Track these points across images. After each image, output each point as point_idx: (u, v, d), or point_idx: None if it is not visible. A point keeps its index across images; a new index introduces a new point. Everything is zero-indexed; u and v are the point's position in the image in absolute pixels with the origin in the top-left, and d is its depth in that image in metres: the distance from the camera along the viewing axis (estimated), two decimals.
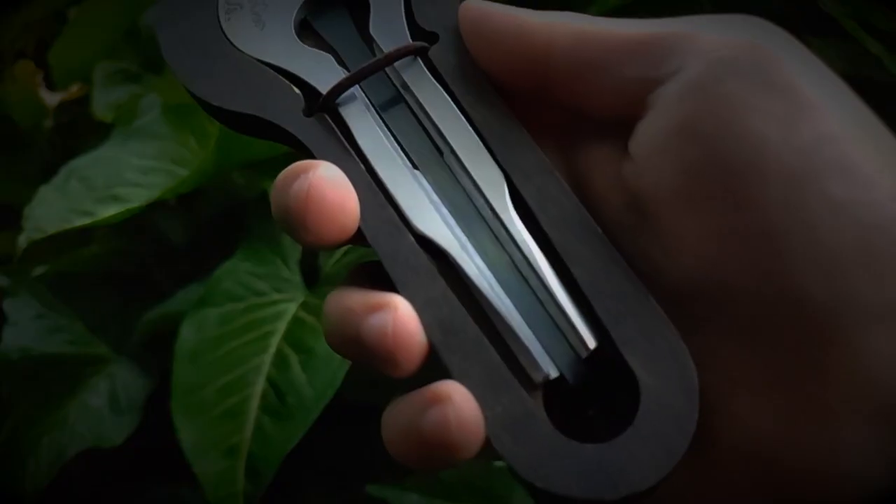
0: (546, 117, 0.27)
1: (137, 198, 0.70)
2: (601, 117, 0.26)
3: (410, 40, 0.28)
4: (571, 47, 0.26)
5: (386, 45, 0.28)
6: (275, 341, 0.65)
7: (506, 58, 0.26)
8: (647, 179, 0.24)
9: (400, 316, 0.24)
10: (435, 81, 0.27)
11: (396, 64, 0.27)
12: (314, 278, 0.70)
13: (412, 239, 0.26)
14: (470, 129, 0.27)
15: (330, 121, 0.27)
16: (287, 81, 0.28)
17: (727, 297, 0.24)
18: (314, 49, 0.28)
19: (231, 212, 0.77)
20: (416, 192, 0.26)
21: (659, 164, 0.24)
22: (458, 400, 0.23)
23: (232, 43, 0.28)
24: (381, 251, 0.25)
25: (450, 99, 0.27)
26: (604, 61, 0.25)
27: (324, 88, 0.27)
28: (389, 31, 0.28)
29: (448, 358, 0.24)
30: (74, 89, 0.95)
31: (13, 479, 0.70)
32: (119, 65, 0.88)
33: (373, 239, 0.26)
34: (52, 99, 0.97)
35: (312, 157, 0.27)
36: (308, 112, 0.27)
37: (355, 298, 0.25)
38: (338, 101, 0.27)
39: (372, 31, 0.28)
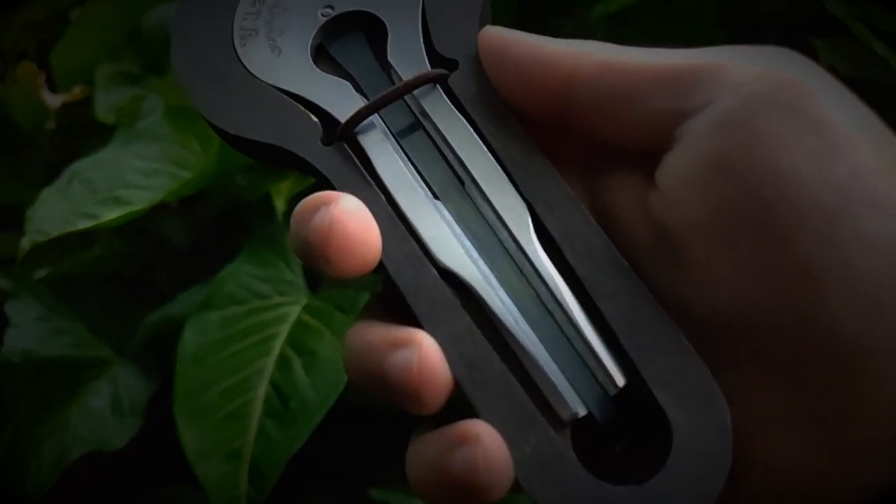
0: (567, 146, 0.27)
1: (140, 200, 0.69)
2: (625, 147, 0.26)
3: (429, 67, 0.27)
4: (595, 77, 0.25)
5: (404, 72, 0.27)
6: (278, 344, 0.65)
7: (528, 87, 0.26)
8: (677, 213, 0.24)
9: (424, 352, 0.23)
10: (455, 109, 0.27)
11: (415, 91, 0.27)
12: (317, 281, 0.70)
13: (435, 272, 0.25)
14: (491, 158, 0.26)
15: (349, 150, 0.27)
16: (304, 109, 0.27)
17: (759, 334, 0.23)
18: (331, 76, 0.28)
19: (233, 214, 0.77)
20: (438, 224, 0.26)
21: (689, 198, 0.24)
22: (487, 441, 0.23)
23: (248, 69, 0.28)
24: (403, 285, 0.25)
25: (470, 127, 0.27)
26: (629, 92, 0.25)
27: (342, 117, 0.27)
28: (408, 58, 0.28)
29: (474, 395, 0.24)
30: (76, 91, 0.95)
31: (15, 482, 0.70)
32: (121, 66, 0.88)
33: (394, 272, 0.25)
34: (53, 100, 0.97)
35: (331, 186, 0.26)
36: (326, 141, 0.27)
37: (377, 333, 0.24)
38: (356, 129, 0.27)
39: (390, 57, 0.28)
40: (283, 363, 0.64)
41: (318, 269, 0.25)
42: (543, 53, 0.26)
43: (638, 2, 0.69)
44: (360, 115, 0.27)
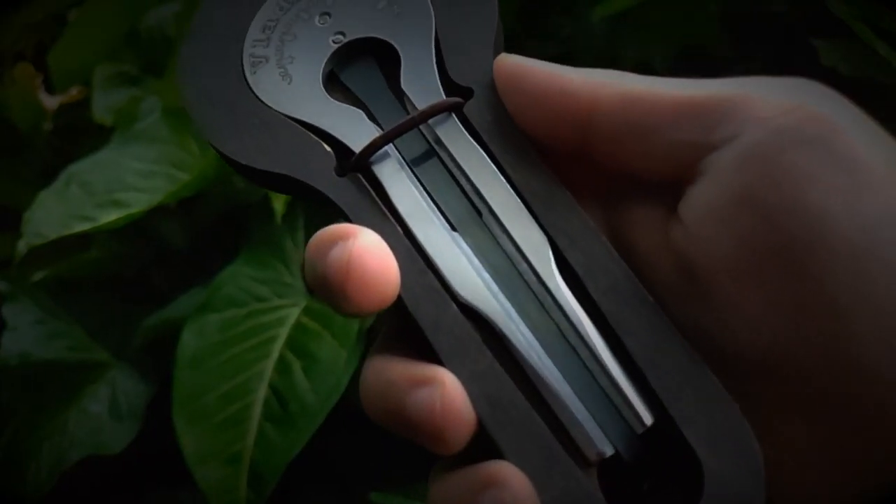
0: (585, 176, 0.27)
1: (138, 203, 0.69)
2: (646, 179, 0.25)
3: (444, 95, 0.27)
4: (617, 108, 0.25)
5: (419, 101, 0.27)
6: (277, 347, 0.64)
7: (546, 117, 0.26)
8: (702, 247, 0.24)
9: (448, 392, 0.23)
10: (471, 139, 0.26)
11: (430, 119, 0.27)
12: None
13: (455, 308, 0.25)
14: (510, 189, 0.26)
15: (363, 180, 0.26)
16: (317, 139, 0.27)
17: (787, 371, 0.23)
18: (344, 104, 0.27)
19: (232, 216, 0.77)
20: (456, 257, 0.25)
21: (715, 233, 0.23)
22: (514, 484, 0.22)
23: (258, 98, 0.27)
24: (422, 320, 0.24)
25: (487, 157, 0.26)
26: (652, 124, 0.24)
27: (356, 146, 0.26)
28: (422, 86, 0.27)
29: (498, 435, 0.23)
30: (74, 92, 0.95)
31: (13, 485, 0.69)
32: (119, 67, 0.87)
33: (413, 307, 0.24)
34: (51, 102, 0.96)
35: (346, 217, 0.26)
36: (341, 171, 0.26)
37: (397, 370, 0.24)
38: (371, 159, 0.26)
39: (404, 85, 0.27)
40: (282, 366, 0.63)
41: (334, 305, 0.24)
42: (563, 83, 0.25)
43: (638, 2, 0.69)
44: (374, 146, 0.26)
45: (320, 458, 0.63)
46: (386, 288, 0.24)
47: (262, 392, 0.62)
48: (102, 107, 0.83)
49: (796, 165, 0.23)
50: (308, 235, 0.70)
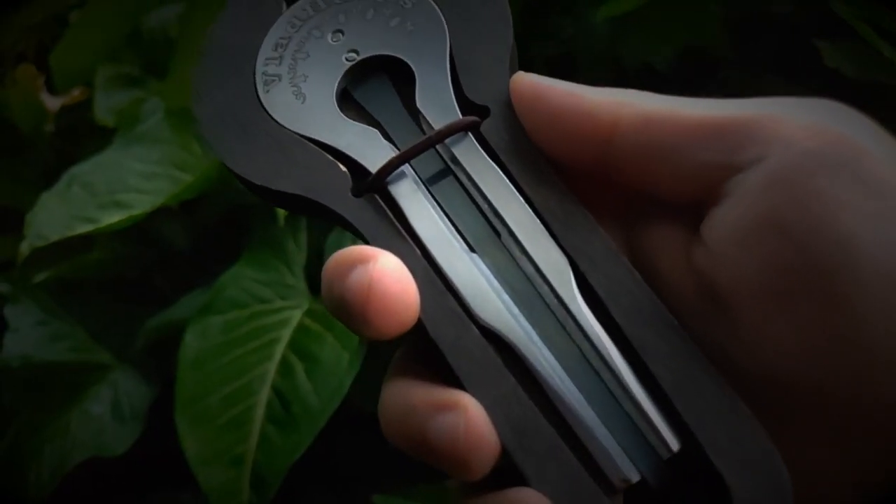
0: (605, 196, 0.26)
1: (141, 204, 0.69)
2: (668, 199, 0.25)
3: (460, 114, 0.26)
4: (638, 128, 0.24)
5: (434, 120, 0.26)
6: (280, 349, 0.64)
7: (565, 136, 0.25)
8: (727, 270, 0.23)
9: (471, 418, 0.23)
10: (488, 158, 0.26)
11: (446, 138, 0.26)
12: (319, 285, 0.69)
13: (476, 331, 0.24)
14: (528, 209, 0.25)
15: (380, 201, 0.26)
16: (332, 159, 0.26)
17: (813, 397, 0.23)
18: (359, 123, 0.27)
19: (234, 217, 0.77)
20: (476, 279, 0.25)
21: (741, 257, 0.23)
22: None
23: (272, 117, 0.27)
24: (443, 344, 0.24)
25: (505, 177, 0.26)
26: (674, 144, 0.24)
27: (372, 166, 0.26)
28: (438, 105, 0.27)
29: (523, 462, 0.23)
30: (76, 93, 0.95)
31: (15, 487, 0.69)
32: (121, 68, 0.87)
33: (434, 331, 0.24)
34: (53, 103, 0.96)
35: (363, 238, 0.25)
36: (357, 192, 0.26)
37: (418, 394, 0.23)
38: (387, 179, 0.26)
39: (419, 104, 0.27)
40: (285, 368, 0.63)
41: (354, 328, 0.24)
42: (583, 103, 0.25)
43: (641, 3, 0.69)
44: (391, 166, 0.26)
45: (322, 461, 0.63)
46: (406, 311, 0.24)
47: (264, 394, 0.62)
48: (104, 108, 0.83)
49: (824, 189, 0.22)
50: (310, 237, 0.70)
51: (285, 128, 0.27)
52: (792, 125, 0.23)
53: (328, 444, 0.61)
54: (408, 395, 0.23)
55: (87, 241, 0.77)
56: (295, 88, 0.27)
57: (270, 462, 0.60)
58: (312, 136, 0.27)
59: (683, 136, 0.24)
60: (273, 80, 0.28)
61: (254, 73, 0.28)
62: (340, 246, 0.69)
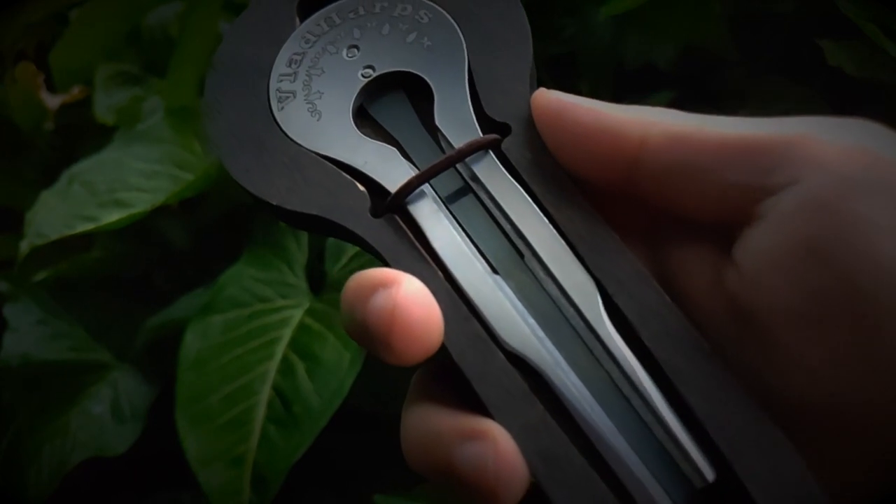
0: (630, 215, 0.26)
1: (141, 203, 0.69)
2: (697, 220, 0.25)
3: (480, 132, 0.26)
4: (666, 147, 0.24)
5: (454, 137, 0.26)
6: (280, 348, 0.64)
7: (591, 156, 0.25)
8: (761, 295, 0.23)
9: (500, 448, 0.22)
10: (510, 177, 0.25)
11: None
12: (320, 284, 0.69)
13: (502, 357, 0.24)
14: (553, 230, 0.25)
15: (400, 221, 0.25)
16: (350, 178, 0.26)
17: (849, 424, 0.22)
18: (376, 141, 0.27)
19: (235, 216, 0.77)
20: (500, 303, 0.24)
21: (776, 282, 0.23)
22: None
23: (287, 135, 0.27)
24: (468, 370, 0.23)
25: (528, 196, 0.25)
26: (704, 165, 0.24)
27: (391, 186, 0.25)
28: (457, 123, 0.26)
29: (554, 493, 0.22)
30: (75, 91, 0.94)
31: (15, 488, 0.69)
32: (121, 67, 0.87)
33: (459, 357, 0.23)
34: (52, 101, 0.96)
35: (383, 259, 0.25)
36: (375, 212, 0.25)
37: (444, 422, 0.23)
38: (407, 199, 0.25)
39: (438, 121, 0.26)
40: (285, 367, 0.63)
41: (376, 354, 0.23)
42: (609, 121, 0.25)
43: (643, 1, 0.68)
44: (411, 186, 0.25)
45: (324, 460, 0.63)
46: (431, 338, 0.23)
47: (265, 394, 0.62)
48: (104, 106, 0.83)
49: (862, 214, 0.22)
50: (312, 236, 0.70)
51: (301, 146, 0.26)
52: (826, 146, 0.23)
53: (328, 443, 0.61)
54: (432, 422, 0.23)
55: (87, 239, 0.77)
56: (310, 105, 0.27)
57: (271, 462, 0.60)
58: (329, 155, 0.26)
59: (713, 156, 0.24)
60: (287, 97, 0.27)
61: (267, 90, 0.27)
62: (341, 246, 0.68)
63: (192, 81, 0.75)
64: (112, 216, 0.69)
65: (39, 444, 0.70)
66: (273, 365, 0.63)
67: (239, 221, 0.76)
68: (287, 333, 0.65)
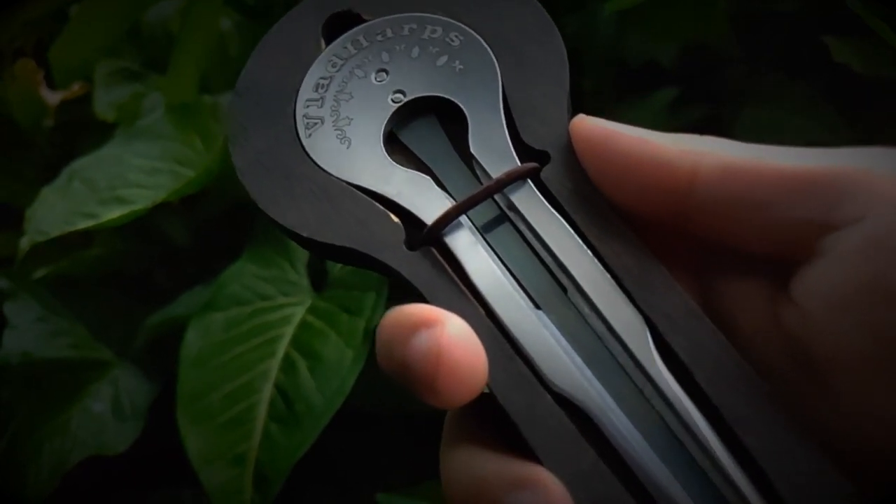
0: (678, 247, 0.25)
1: (142, 199, 0.69)
2: (751, 254, 0.24)
3: (517, 159, 0.25)
4: (719, 180, 0.23)
5: (490, 166, 0.25)
6: (282, 346, 0.64)
7: (639, 187, 0.24)
8: (824, 336, 0.22)
9: (553, 499, 0.21)
10: (550, 207, 0.24)
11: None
12: (322, 281, 0.69)
13: (549, 398, 0.22)
14: (598, 264, 0.24)
15: (437, 254, 0.24)
16: (383, 209, 0.25)
17: None
18: (410, 170, 0.25)
19: (236, 213, 0.76)
20: (545, 340, 0.23)
21: (840, 322, 0.22)
22: None
23: (315, 163, 0.25)
24: (515, 413, 0.22)
25: (570, 228, 0.24)
26: (760, 198, 0.23)
27: (427, 217, 0.24)
28: (493, 150, 0.25)
29: None
30: (75, 88, 0.94)
31: (15, 486, 0.69)
32: (121, 63, 0.87)
33: (504, 398, 0.22)
34: (52, 98, 0.96)
35: (420, 295, 0.24)
36: (411, 244, 0.24)
37: (490, 467, 0.22)
38: (443, 230, 0.24)
39: (473, 149, 0.25)
40: (287, 366, 0.63)
41: (418, 395, 0.22)
42: (657, 151, 0.23)
43: None
44: (448, 217, 0.24)
45: (326, 459, 0.63)
46: (477, 380, 0.22)
47: (267, 392, 0.62)
48: (105, 103, 0.83)
49: None
50: None
51: (331, 175, 0.25)
52: (889, 182, 0.22)
53: (331, 442, 0.61)
54: (477, 467, 0.22)
55: (87, 236, 0.76)
56: (339, 132, 0.26)
57: (273, 461, 0.59)
58: (360, 184, 0.25)
59: (771, 190, 0.23)
60: (315, 124, 0.26)
61: (294, 116, 0.26)
62: None
63: (193, 78, 0.75)
64: (112, 213, 0.68)
65: (39, 443, 0.69)
66: (275, 363, 0.63)
67: (240, 218, 0.76)
68: (289, 331, 0.64)
